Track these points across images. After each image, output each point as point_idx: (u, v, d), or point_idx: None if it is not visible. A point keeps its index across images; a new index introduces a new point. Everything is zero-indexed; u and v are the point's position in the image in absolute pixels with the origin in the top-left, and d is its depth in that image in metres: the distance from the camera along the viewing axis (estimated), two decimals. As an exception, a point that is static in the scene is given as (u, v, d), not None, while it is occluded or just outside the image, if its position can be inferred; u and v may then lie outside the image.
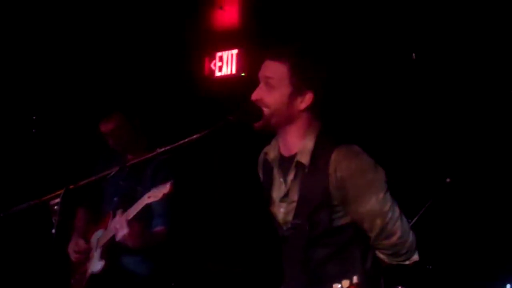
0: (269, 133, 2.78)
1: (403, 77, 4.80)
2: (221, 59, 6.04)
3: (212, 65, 6.09)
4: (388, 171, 2.67)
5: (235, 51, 5.95)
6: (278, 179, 2.77)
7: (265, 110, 2.64)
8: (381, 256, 2.66)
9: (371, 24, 4.64)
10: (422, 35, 4.57)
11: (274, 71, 2.65)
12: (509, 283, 4.58)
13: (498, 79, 4.50)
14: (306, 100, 2.66)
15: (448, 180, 4.13)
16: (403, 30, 4.55)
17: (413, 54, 4.51)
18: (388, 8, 4.49)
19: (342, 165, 2.59)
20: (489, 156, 4.66)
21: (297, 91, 2.64)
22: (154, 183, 3.80)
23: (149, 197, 3.70)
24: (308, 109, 2.68)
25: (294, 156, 2.70)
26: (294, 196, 2.69)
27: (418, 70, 4.69)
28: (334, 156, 2.60)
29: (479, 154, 4.67)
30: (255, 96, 2.66)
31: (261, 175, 2.90)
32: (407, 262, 2.66)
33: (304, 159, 2.66)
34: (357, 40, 4.76)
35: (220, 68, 6.05)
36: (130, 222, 3.73)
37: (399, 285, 3.73)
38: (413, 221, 3.93)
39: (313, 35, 4.69)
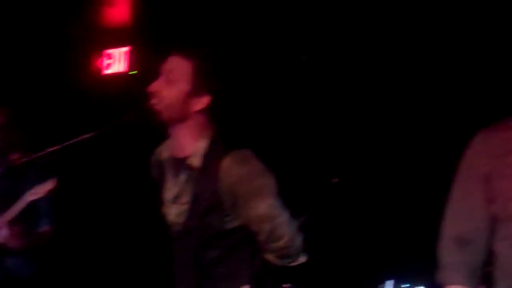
0: (163, 132, 2.76)
1: (291, 79, 4.88)
2: (110, 56, 5.93)
3: (101, 63, 5.97)
4: (276, 172, 2.72)
5: (125, 49, 5.86)
6: (170, 180, 2.76)
7: (159, 104, 2.62)
8: (270, 258, 2.70)
9: (260, 29, 4.70)
10: (311, 38, 4.67)
11: (178, 65, 2.64)
12: (387, 279, 4.79)
13: (382, 80, 4.67)
14: (202, 102, 2.66)
15: (335, 180, 4.24)
16: (293, 33, 4.64)
17: (303, 57, 4.60)
18: (277, 12, 4.56)
19: (233, 171, 2.61)
20: (374, 156, 4.83)
21: (195, 91, 2.64)
22: (39, 182, 3.70)
23: (31, 194, 3.59)
24: (203, 111, 2.68)
25: (186, 158, 2.70)
26: (186, 198, 2.69)
27: (307, 72, 4.79)
28: (225, 162, 2.62)
29: (365, 154, 4.83)
30: (153, 87, 2.64)
31: (153, 176, 2.88)
32: (294, 264, 2.72)
33: (196, 162, 2.67)
34: (247, 44, 4.80)
35: (110, 66, 5.94)
36: (10, 223, 3.60)
37: (286, 284, 3.80)
38: (302, 220, 4.00)
39: (209, 35, 4.69)
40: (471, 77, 4.28)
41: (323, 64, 4.71)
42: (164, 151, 2.80)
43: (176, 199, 2.73)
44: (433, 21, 4.26)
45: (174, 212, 2.74)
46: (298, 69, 4.73)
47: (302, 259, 2.73)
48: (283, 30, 4.55)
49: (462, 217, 2.40)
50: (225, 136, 2.74)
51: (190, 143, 2.69)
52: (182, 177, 2.71)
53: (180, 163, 2.72)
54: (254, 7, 4.68)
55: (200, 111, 2.67)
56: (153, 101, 2.63)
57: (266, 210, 2.63)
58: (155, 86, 2.65)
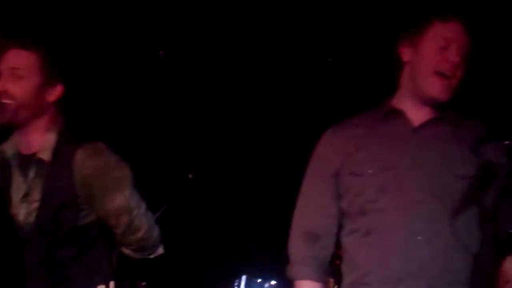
0: (10, 129, 2.61)
1: (148, 73, 4.82)
2: None
3: None
4: (133, 167, 2.67)
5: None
6: (17, 178, 2.61)
7: (11, 103, 2.48)
8: (127, 251, 2.66)
9: (116, 22, 4.58)
10: (170, 34, 4.63)
11: (23, 60, 2.51)
12: (244, 274, 4.86)
13: (237, 78, 4.71)
14: (56, 92, 2.56)
15: (190, 176, 4.24)
16: (151, 28, 4.57)
17: (161, 52, 4.55)
18: (136, 6, 4.47)
19: (87, 163, 2.54)
20: (228, 152, 4.87)
21: (47, 82, 2.53)
22: None
23: None
24: (56, 103, 2.58)
25: (35, 153, 2.57)
26: (36, 195, 2.57)
27: (164, 67, 4.75)
28: (79, 154, 2.53)
29: (219, 151, 4.86)
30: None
31: None
32: (152, 256, 2.69)
33: (46, 156, 2.55)
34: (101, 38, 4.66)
35: None
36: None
37: (143, 281, 3.76)
38: (157, 215, 3.96)
39: (58, 26, 4.50)
40: (324, 76, 4.42)
41: (181, 60, 4.68)
42: (9, 149, 2.64)
43: (25, 197, 2.59)
44: (286, 20, 4.34)
45: (24, 211, 2.59)
46: (156, 64, 4.68)
47: (160, 250, 2.71)
48: (141, 25, 4.47)
49: (311, 212, 2.45)
50: (76, 128, 2.65)
51: (38, 137, 2.57)
52: (31, 173, 2.58)
53: (28, 160, 2.59)
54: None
55: (54, 103, 2.57)
56: (5, 100, 2.48)
57: (124, 202, 2.58)
58: (1, 85, 2.50)
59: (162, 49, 4.44)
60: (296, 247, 2.45)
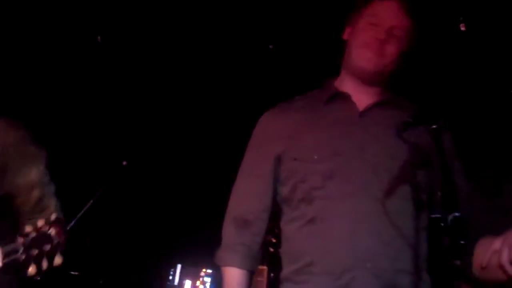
0: None
1: (84, 61, 4.71)
2: None
3: None
4: (67, 155, 2.63)
5: None
6: None
7: None
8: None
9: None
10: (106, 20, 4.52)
11: None
12: (179, 263, 4.84)
13: (183, 66, 4.64)
14: None
15: (124, 163, 4.18)
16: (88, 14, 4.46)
17: (98, 37, 4.45)
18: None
19: (10, 132, 2.51)
20: (163, 139, 4.82)
21: None
22: None
23: None
24: None
25: None
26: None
27: (100, 56, 4.64)
28: (0, 123, 2.50)
29: (154, 138, 4.80)
30: None
31: None
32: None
33: None
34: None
35: None
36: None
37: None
38: (91, 202, 3.89)
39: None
40: (264, 63, 4.40)
41: (115, 48, 4.58)
42: None
43: None
44: (226, 7, 4.30)
45: None
46: (90, 52, 4.57)
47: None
48: (77, 10, 4.35)
49: (244, 197, 2.37)
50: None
51: None
52: None
53: None
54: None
55: None
56: None
57: (39, 176, 2.55)
58: None
59: (99, 35, 4.34)
60: (227, 232, 2.35)
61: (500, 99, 3.67)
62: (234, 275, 2.30)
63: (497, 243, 1.88)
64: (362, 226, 2.13)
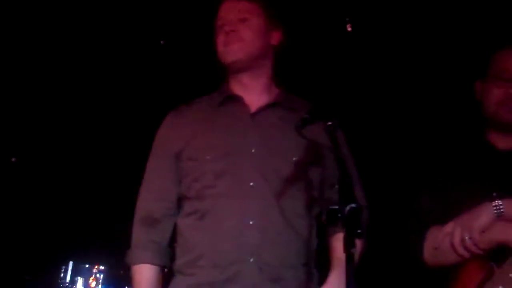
0: None
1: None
2: None
3: None
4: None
5: None
6: None
7: None
8: None
9: None
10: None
11: None
12: (71, 260, 4.76)
13: (79, 62, 4.54)
14: None
15: (13, 159, 4.07)
16: None
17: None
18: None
19: None
20: (54, 135, 4.71)
21: None
22: None
23: None
24: None
25: None
26: None
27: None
28: None
29: (44, 135, 4.68)
30: None
31: None
32: None
33: None
34: None
35: None
36: None
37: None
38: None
39: None
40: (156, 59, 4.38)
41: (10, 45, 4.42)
42: None
43: None
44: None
45: None
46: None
47: None
48: None
49: (150, 196, 2.43)
50: None
51: None
52: None
53: None
54: None
55: None
56: None
57: None
58: None
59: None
60: (136, 232, 2.43)
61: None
62: (145, 271, 2.36)
63: (449, 226, 2.13)
64: (248, 223, 2.25)
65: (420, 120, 3.81)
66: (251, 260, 2.22)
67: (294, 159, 2.34)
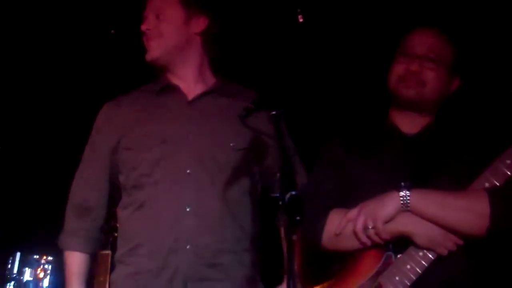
0: None
1: None
2: None
3: None
4: None
5: None
6: None
7: None
8: None
9: None
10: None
11: None
12: (19, 250, 4.69)
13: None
14: None
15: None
16: None
17: None
18: None
19: None
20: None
21: None
22: None
23: None
24: None
25: None
26: None
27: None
28: None
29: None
30: None
31: None
32: None
33: None
34: None
35: None
36: None
37: None
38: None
39: None
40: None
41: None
42: None
43: None
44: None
45: None
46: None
47: None
48: None
49: (84, 185, 2.46)
50: None
51: None
52: None
53: None
54: None
55: None
56: None
57: None
58: None
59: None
60: (69, 218, 2.46)
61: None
62: (75, 259, 2.43)
63: (352, 212, 2.09)
64: (185, 210, 2.29)
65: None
66: (188, 247, 2.26)
67: (231, 145, 2.36)
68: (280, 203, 1.70)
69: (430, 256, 2.04)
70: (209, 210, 2.30)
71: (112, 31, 4.21)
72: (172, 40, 2.40)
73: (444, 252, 2.03)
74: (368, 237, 2.06)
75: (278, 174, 1.77)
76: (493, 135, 2.24)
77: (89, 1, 3.96)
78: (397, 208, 2.03)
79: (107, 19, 4.06)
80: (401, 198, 2.03)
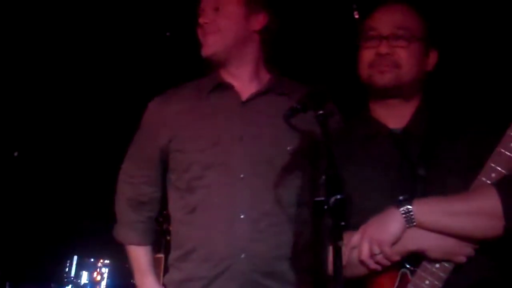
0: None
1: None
2: None
3: None
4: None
5: None
6: None
7: None
8: None
9: None
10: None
11: None
12: (76, 254, 4.77)
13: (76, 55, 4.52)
14: None
15: (15, 153, 4.07)
16: None
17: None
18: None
19: None
20: (54, 130, 4.70)
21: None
22: None
23: None
24: None
25: None
26: None
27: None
28: None
29: (45, 129, 4.67)
30: None
31: None
32: None
33: None
34: None
35: None
36: None
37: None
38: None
39: None
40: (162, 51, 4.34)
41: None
42: None
43: None
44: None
45: None
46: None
47: None
48: None
49: (136, 181, 2.42)
50: None
51: None
52: None
53: None
54: None
55: None
56: None
57: None
58: None
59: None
60: (123, 211, 2.44)
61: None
62: (140, 251, 2.44)
63: (355, 238, 1.88)
64: (239, 216, 2.20)
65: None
66: (243, 256, 2.18)
67: (288, 148, 2.26)
68: (325, 207, 1.63)
69: (448, 266, 1.84)
70: (263, 216, 2.21)
71: (168, 34, 4.21)
72: (231, 36, 2.30)
73: (462, 260, 1.83)
74: (377, 262, 1.85)
75: (323, 177, 1.70)
76: (489, 109, 1.99)
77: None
78: (402, 226, 1.82)
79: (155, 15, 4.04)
80: (404, 215, 1.83)
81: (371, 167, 1.98)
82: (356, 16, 3.64)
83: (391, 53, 1.96)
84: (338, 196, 1.60)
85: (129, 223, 2.43)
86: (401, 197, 1.84)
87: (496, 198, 1.80)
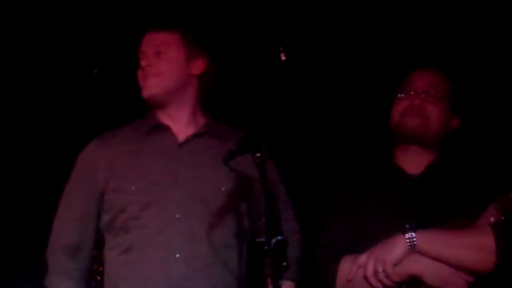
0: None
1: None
2: None
3: None
4: None
5: None
6: None
7: None
8: None
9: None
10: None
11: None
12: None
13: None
14: None
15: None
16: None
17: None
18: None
19: None
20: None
21: None
22: None
23: None
24: None
25: None
26: None
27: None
28: None
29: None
30: None
31: None
32: None
33: None
34: None
35: None
36: None
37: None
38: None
39: None
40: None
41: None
42: None
43: None
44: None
45: None
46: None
47: None
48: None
49: (72, 226, 2.39)
50: None
51: None
52: None
53: None
54: None
55: None
56: None
57: None
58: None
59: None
60: (58, 260, 2.38)
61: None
62: None
63: (362, 258, 2.13)
64: (174, 256, 2.23)
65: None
66: None
67: (223, 189, 2.32)
68: (266, 248, 1.68)
69: None
70: (199, 256, 2.25)
71: (95, 71, 4.19)
72: (172, 80, 2.37)
73: None
74: (379, 281, 2.08)
75: (263, 219, 1.75)
76: (496, 172, 2.28)
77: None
78: (405, 250, 2.07)
79: (91, 54, 4.02)
80: (408, 240, 2.07)
81: (388, 207, 2.22)
82: (283, 58, 3.75)
83: (422, 106, 2.25)
84: (279, 237, 1.67)
85: (66, 271, 2.37)
86: (407, 225, 2.09)
87: (490, 236, 2.06)
